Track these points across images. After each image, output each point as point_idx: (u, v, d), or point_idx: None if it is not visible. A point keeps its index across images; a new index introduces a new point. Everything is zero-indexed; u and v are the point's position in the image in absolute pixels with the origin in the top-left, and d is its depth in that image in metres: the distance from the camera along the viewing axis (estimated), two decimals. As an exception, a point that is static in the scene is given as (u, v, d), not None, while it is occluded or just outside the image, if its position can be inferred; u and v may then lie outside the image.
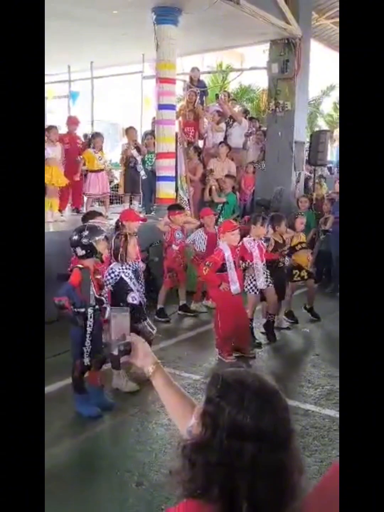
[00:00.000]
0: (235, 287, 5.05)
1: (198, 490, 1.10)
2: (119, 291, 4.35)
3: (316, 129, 14.91)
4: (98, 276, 3.97)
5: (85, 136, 9.63)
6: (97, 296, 3.88)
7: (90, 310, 3.80)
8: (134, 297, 4.35)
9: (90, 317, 3.81)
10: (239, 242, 5.37)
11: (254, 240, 5.56)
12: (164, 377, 1.61)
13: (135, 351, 1.65)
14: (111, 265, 4.40)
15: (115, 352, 1.65)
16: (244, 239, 5.57)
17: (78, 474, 3.22)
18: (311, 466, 3.19)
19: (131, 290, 4.35)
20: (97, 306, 3.86)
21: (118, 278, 4.32)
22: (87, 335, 3.83)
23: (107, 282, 4.29)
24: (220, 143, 9.50)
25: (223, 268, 5.05)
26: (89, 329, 3.82)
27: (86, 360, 3.85)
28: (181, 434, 1.40)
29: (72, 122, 9.01)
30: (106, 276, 4.30)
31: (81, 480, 3.15)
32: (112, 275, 4.32)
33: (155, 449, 3.46)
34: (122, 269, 4.35)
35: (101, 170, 8.15)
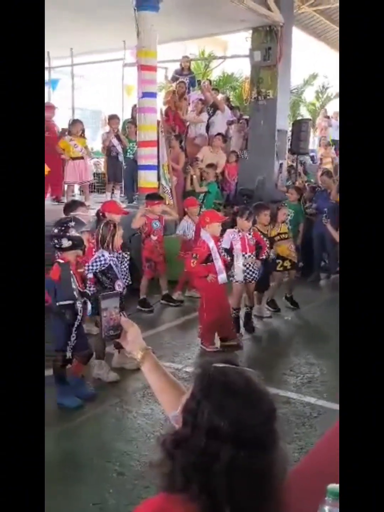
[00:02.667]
0: (222, 276, 5.04)
1: (177, 485, 1.09)
2: (107, 279, 4.33)
3: (299, 118, 14.89)
4: (80, 270, 3.91)
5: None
6: (81, 290, 3.82)
7: (79, 304, 3.75)
8: (120, 285, 4.35)
9: (80, 311, 3.77)
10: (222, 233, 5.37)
11: (238, 232, 5.56)
12: (152, 363, 1.58)
13: (124, 335, 1.62)
14: (100, 252, 4.34)
15: (106, 335, 1.62)
16: (229, 230, 5.56)
17: (59, 465, 3.20)
18: (292, 454, 3.21)
19: (118, 278, 4.34)
20: (83, 300, 3.80)
21: (106, 265, 4.29)
22: (73, 329, 3.79)
23: (93, 268, 4.24)
24: (218, 134, 9.44)
25: (208, 259, 5.03)
26: (76, 323, 3.78)
27: (68, 354, 3.80)
28: (169, 417, 1.38)
29: (48, 109, 8.85)
30: (93, 262, 4.26)
31: (62, 470, 3.14)
32: (102, 261, 4.27)
33: (136, 439, 3.45)
34: (111, 257, 4.33)
35: (80, 158, 7.97)
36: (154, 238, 6.35)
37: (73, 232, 3.77)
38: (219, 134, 9.52)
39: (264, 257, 5.76)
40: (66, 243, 3.75)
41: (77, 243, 3.79)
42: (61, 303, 3.69)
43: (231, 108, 11.02)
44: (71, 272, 3.77)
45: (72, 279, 3.76)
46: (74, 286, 3.76)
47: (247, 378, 1.14)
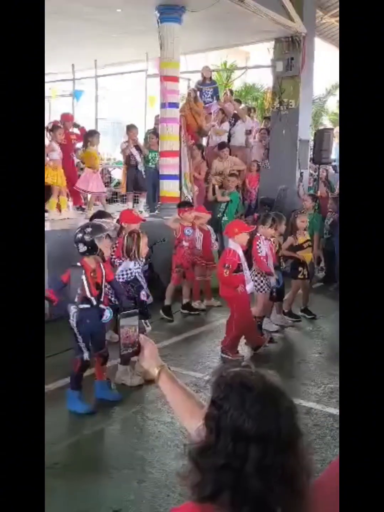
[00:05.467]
0: (250, 286, 5.04)
1: (208, 494, 1.09)
2: (132, 289, 4.41)
3: (321, 127, 14.83)
4: (93, 275, 3.96)
5: (75, 125, 9.28)
6: (88, 296, 3.85)
7: (73, 308, 3.81)
8: (144, 294, 4.42)
9: (72, 316, 3.83)
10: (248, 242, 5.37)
11: (265, 239, 5.58)
12: (169, 379, 1.61)
13: (142, 352, 1.67)
14: (125, 263, 4.47)
15: (124, 353, 1.67)
16: (262, 238, 5.57)
17: (80, 471, 3.22)
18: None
19: (142, 287, 4.40)
20: (84, 306, 3.85)
21: (132, 276, 4.40)
22: (76, 333, 3.85)
23: (120, 278, 4.38)
24: (220, 146, 9.44)
25: (238, 269, 5.00)
26: (74, 327, 3.85)
27: (85, 356, 3.87)
28: (189, 435, 1.39)
29: (67, 118, 8.93)
30: (121, 273, 4.40)
31: (83, 477, 3.15)
32: (129, 273, 4.41)
33: (157, 447, 3.46)
34: (136, 268, 4.44)
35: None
36: (185, 244, 6.41)
37: (87, 238, 3.85)
38: (221, 145, 9.51)
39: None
40: (82, 248, 3.87)
41: (91, 249, 3.87)
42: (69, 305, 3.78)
43: (266, 118, 11.08)
44: (83, 277, 3.83)
45: (84, 284, 3.83)
46: (79, 292, 3.82)
47: (262, 377, 1.16)
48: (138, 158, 8.58)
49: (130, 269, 4.42)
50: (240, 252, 5.01)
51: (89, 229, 3.89)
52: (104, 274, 3.97)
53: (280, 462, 1.06)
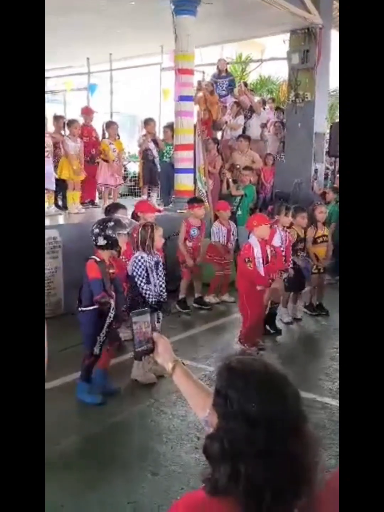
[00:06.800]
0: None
1: (220, 484, 1.10)
2: (142, 282, 4.36)
3: (337, 120, 14.68)
4: (111, 270, 3.97)
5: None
6: (107, 291, 3.87)
7: (112, 302, 3.84)
8: (151, 288, 4.40)
9: (112, 309, 3.85)
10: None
11: (282, 230, 5.62)
12: (183, 374, 1.64)
13: (156, 348, 1.69)
14: (137, 254, 4.38)
15: (138, 349, 1.69)
16: (278, 228, 5.60)
17: (95, 463, 3.25)
18: (328, 460, 3.16)
19: (150, 282, 4.37)
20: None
21: (145, 267, 4.33)
22: (105, 326, 3.86)
23: (136, 272, 4.31)
24: (239, 137, 9.41)
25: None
26: (108, 320, 3.85)
27: (96, 350, 3.88)
28: (203, 428, 1.41)
29: (87, 112, 8.75)
30: (134, 265, 4.33)
31: (97, 469, 3.18)
32: (142, 264, 4.32)
33: (171, 440, 3.48)
34: (147, 260, 4.36)
35: (113, 160, 7.95)
36: (189, 244, 6.42)
37: (109, 232, 3.84)
38: (240, 136, 9.49)
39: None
40: (101, 241, 3.85)
41: (111, 243, 3.87)
42: (98, 298, 3.76)
43: (276, 109, 11.00)
44: (106, 270, 3.85)
45: (107, 277, 3.84)
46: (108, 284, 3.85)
47: (265, 364, 1.18)
48: (155, 152, 8.53)
49: (144, 260, 4.33)
50: (257, 248, 4.98)
51: (111, 224, 3.88)
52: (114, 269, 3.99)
53: (286, 447, 1.07)
